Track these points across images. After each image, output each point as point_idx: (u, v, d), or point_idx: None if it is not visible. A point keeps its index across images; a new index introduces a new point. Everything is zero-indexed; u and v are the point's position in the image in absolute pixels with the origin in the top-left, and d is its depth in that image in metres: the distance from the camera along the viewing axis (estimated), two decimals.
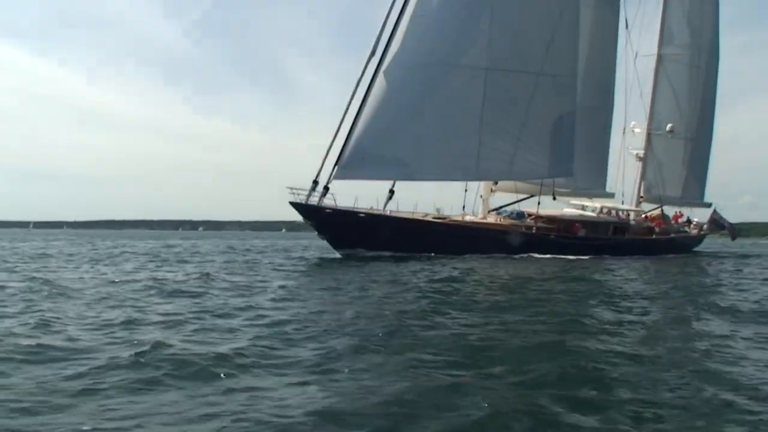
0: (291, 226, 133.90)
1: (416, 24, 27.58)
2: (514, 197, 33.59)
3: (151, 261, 23.63)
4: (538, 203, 32.06)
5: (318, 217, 27.49)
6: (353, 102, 27.57)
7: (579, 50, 33.80)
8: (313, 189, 27.33)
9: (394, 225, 27.91)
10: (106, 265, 21.16)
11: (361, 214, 27.61)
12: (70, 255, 27.52)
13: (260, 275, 17.20)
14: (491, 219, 32.39)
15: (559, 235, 31.88)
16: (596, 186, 36.02)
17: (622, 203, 39.87)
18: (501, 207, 33.10)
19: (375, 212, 28.10)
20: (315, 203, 27.26)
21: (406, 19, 27.67)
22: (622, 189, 39.94)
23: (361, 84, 27.60)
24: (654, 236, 37.35)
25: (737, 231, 43.79)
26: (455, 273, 18.13)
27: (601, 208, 36.70)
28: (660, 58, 39.50)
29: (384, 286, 14.29)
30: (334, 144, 27.50)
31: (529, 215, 33.83)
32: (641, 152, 39.75)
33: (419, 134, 27.28)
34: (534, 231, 31.19)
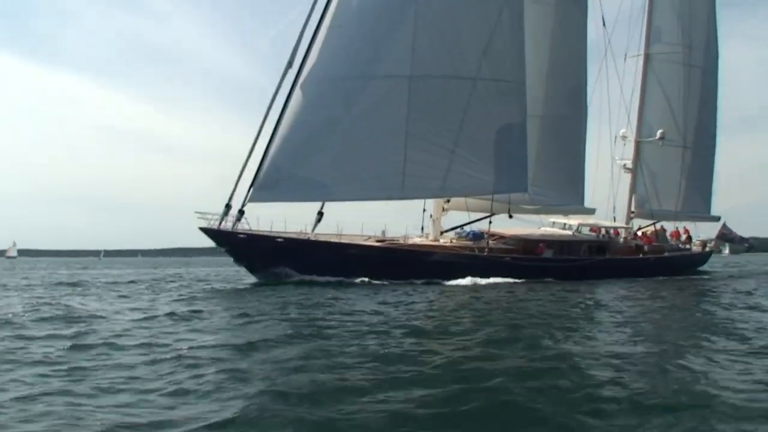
0: None
1: (333, 34, 25.38)
2: (480, 216, 30.69)
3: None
4: (490, 222, 29.12)
5: (231, 243, 25.57)
6: (269, 119, 25.71)
7: (541, 53, 31.10)
8: (226, 213, 25.40)
9: (316, 249, 25.66)
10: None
11: (279, 239, 25.45)
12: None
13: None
14: (445, 241, 29.59)
15: (516, 257, 28.78)
16: (572, 201, 32.55)
17: (615, 219, 36.20)
18: (458, 227, 30.23)
19: (296, 236, 25.94)
20: (228, 228, 25.36)
21: (324, 29, 25.55)
22: (614, 204, 36.26)
23: (277, 99, 25.73)
24: (641, 255, 33.52)
25: (752, 245, 38.93)
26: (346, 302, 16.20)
27: (579, 226, 33.30)
28: (647, 59, 35.75)
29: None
30: (248, 164, 25.60)
31: (491, 235, 30.92)
32: (629, 162, 35.99)
33: (338, 152, 24.94)
34: (486, 253, 28.20)
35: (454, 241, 29.42)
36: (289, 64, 25.63)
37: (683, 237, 37.06)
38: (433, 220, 29.85)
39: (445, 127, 25.72)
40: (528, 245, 29.98)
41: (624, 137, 36.35)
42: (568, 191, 32.46)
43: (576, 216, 33.38)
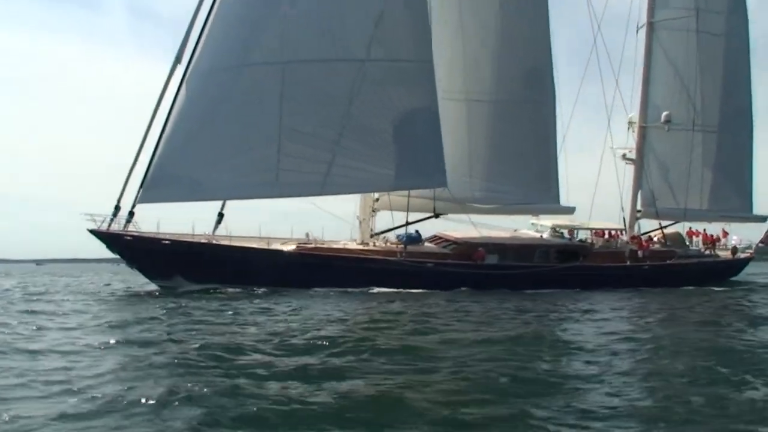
0: None
1: (217, 23, 23.94)
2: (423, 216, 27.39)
3: None
4: (407, 223, 25.80)
5: (119, 246, 24.84)
6: (158, 117, 24.78)
7: (488, 27, 27.37)
8: (115, 215, 24.73)
9: (202, 252, 24.19)
10: None
11: (165, 241, 24.33)
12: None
13: None
14: (371, 245, 26.68)
15: (440, 264, 25.14)
16: (541, 199, 27.92)
17: (624, 221, 30.61)
18: (387, 229, 27.17)
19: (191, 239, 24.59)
20: (118, 230, 24.70)
21: (211, 19, 24.19)
22: (620, 203, 30.73)
23: (165, 96, 24.73)
24: (629, 262, 27.91)
25: None
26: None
27: (553, 228, 28.64)
28: (651, 28, 29.88)
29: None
30: (137, 164, 24.81)
31: (437, 239, 27.55)
32: (629, 152, 30.21)
33: (212, 148, 23.30)
34: (403, 259, 24.94)
35: (375, 244, 26.49)
36: (177, 60, 24.55)
37: (728, 240, 30.41)
38: (360, 222, 27.03)
39: (326, 115, 23.09)
40: (468, 250, 26.14)
41: (632, 123, 30.72)
42: (536, 188, 27.91)
43: (548, 216, 28.75)
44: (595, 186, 29.63)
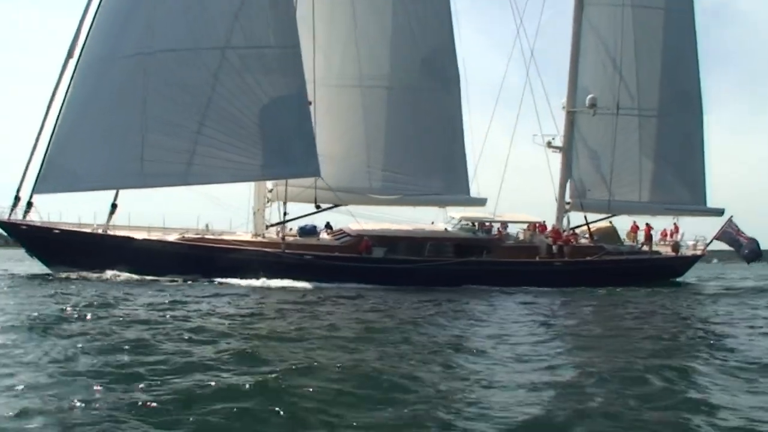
0: None
1: (98, 18, 24.53)
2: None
3: None
4: (286, 216, 25.18)
5: (17, 234, 25.95)
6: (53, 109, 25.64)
7: (381, 10, 26.30)
8: (15, 204, 25.83)
9: (87, 241, 24.82)
10: None
11: (56, 231, 25.15)
12: None
13: None
14: (259, 236, 26.32)
15: (320, 257, 24.38)
16: (448, 190, 26.39)
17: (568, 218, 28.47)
18: (283, 221, 26.60)
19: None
20: (17, 220, 25.79)
21: (96, 15, 24.82)
22: (554, 193, 28.59)
23: (59, 89, 25.54)
24: (537, 257, 25.78)
25: (758, 254, 26.83)
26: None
27: (460, 220, 27.03)
28: (580, 4, 27.35)
29: None
30: (35, 156, 25.76)
31: (339, 231, 26.83)
32: (555, 139, 27.82)
33: (85, 138, 23.91)
34: (283, 250, 24.42)
35: (266, 236, 26.11)
36: (69, 54, 25.31)
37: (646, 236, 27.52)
38: (254, 213, 26.68)
39: (187, 105, 23.04)
40: (353, 243, 25.22)
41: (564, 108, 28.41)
42: (441, 178, 26.47)
43: (457, 208, 27.16)
44: (502, 176, 27.62)
